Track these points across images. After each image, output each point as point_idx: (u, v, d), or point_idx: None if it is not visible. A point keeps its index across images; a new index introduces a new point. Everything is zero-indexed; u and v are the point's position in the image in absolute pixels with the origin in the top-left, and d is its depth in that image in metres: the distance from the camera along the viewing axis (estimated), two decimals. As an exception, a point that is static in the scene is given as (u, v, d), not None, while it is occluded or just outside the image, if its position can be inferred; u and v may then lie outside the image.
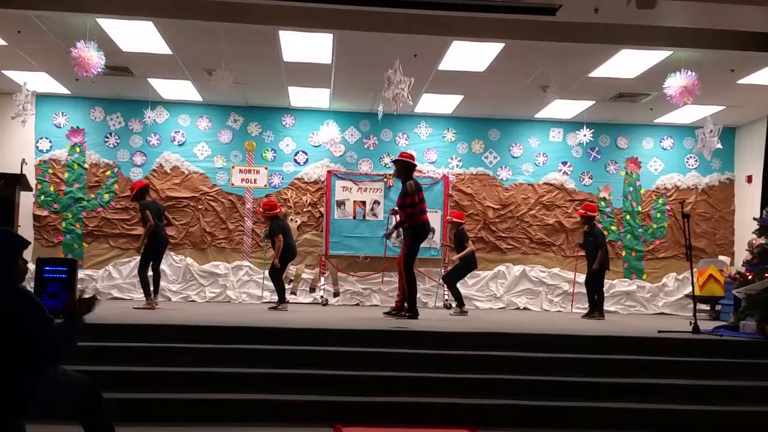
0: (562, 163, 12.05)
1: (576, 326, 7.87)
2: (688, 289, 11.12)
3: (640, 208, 12.09)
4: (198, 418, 5.12)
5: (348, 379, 5.60)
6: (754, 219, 7.63)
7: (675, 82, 8.35)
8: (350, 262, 11.53)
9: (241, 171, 11.58)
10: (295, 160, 11.71)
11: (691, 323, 7.35)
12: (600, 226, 10.69)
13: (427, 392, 5.53)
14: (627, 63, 8.89)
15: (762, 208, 7.83)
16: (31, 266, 7.87)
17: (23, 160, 10.79)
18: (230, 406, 5.23)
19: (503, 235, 11.83)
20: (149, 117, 11.06)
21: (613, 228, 11.98)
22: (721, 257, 11.60)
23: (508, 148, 12.01)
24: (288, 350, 6.00)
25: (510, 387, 5.62)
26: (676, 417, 5.37)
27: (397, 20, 7.74)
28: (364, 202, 11.58)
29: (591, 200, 11.91)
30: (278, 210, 9.84)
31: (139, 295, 10.57)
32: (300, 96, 10.99)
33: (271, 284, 11.05)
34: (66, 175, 11.37)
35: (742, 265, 7.73)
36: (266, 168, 11.64)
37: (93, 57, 7.82)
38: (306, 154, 11.73)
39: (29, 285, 6.99)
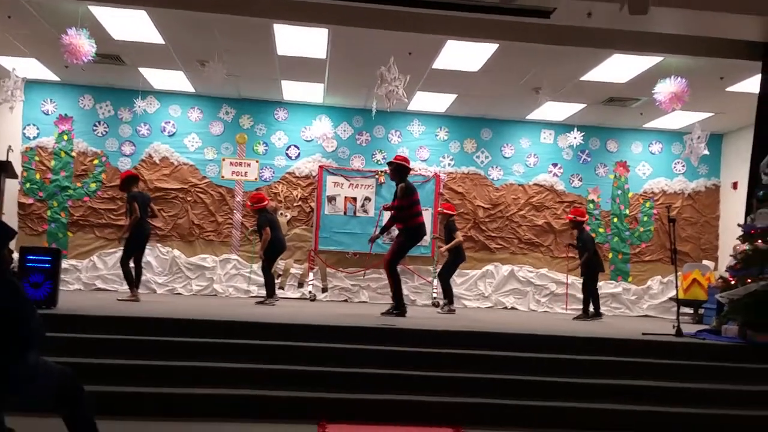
0: (552, 164, 12.12)
1: (562, 327, 7.94)
2: (673, 293, 11.25)
3: (627, 212, 12.19)
4: (180, 412, 5.10)
5: (334, 376, 5.62)
6: (739, 225, 7.73)
7: (665, 88, 8.44)
8: (339, 258, 11.55)
9: (231, 164, 11.57)
10: (287, 154, 11.70)
11: (674, 326, 7.43)
12: (588, 228, 10.76)
13: (413, 390, 5.56)
14: (618, 68, 8.97)
15: (747, 214, 7.91)
16: (15, 255, 7.83)
17: (9, 146, 10.56)
18: (214, 401, 5.22)
19: (492, 234, 11.90)
20: (139, 106, 11.01)
21: (601, 230, 12.08)
22: (705, 262, 11.72)
23: (500, 149, 12.06)
24: (274, 345, 6.01)
25: (495, 386, 5.67)
26: (659, 419, 5.45)
27: (392, 17, 7.77)
28: (355, 198, 11.59)
29: (580, 203, 12.01)
30: (266, 202, 9.79)
31: (123, 287, 10.56)
32: (293, 90, 10.99)
33: (259, 278, 11.05)
34: (53, 163, 11.30)
35: (726, 270, 7.81)
36: (257, 161, 11.62)
37: (84, 44, 7.78)
38: (298, 148, 11.73)
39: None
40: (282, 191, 11.60)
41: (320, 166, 11.57)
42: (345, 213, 11.54)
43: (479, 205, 11.90)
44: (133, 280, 8.95)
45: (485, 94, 10.56)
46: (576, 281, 11.85)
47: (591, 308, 9.85)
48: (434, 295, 11.28)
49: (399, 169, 8.39)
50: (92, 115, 11.43)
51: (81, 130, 11.40)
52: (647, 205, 12.23)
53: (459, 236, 9.95)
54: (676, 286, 8.24)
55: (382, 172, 11.60)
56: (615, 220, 12.17)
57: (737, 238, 7.66)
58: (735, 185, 11.79)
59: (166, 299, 9.62)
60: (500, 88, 10.15)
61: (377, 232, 8.99)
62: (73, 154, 11.35)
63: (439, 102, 11.20)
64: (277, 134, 11.72)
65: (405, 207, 8.23)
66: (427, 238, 11.44)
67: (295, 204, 11.63)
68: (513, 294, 11.82)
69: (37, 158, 11.28)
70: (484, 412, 5.37)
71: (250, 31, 8.33)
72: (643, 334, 7.27)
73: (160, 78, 10.72)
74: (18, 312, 3.26)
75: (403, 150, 11.86)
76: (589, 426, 5.33)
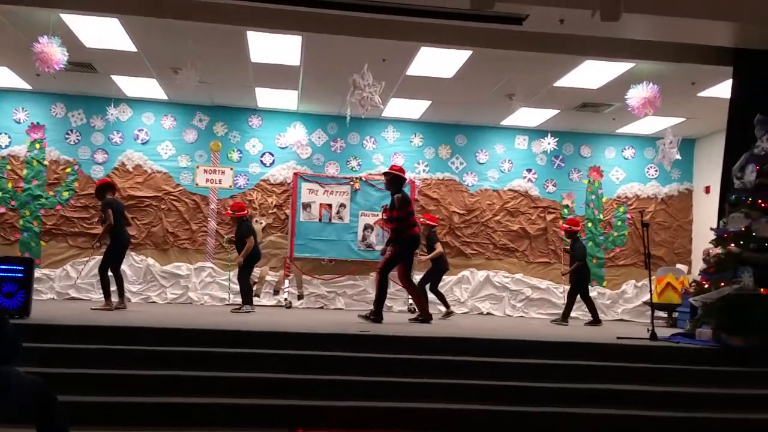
0: (526, 170, 12.19)
1: (537, 332, 7.96)
2: (647, 297, 11.33)
3: (601, 216, 12.29)
4: (154, 421, 5.03)
5: (310, 383, 5.58)
6: (712, 229, 7.82)
7: (637, 94, 8.52)
8: (315, 264, 11.49)
9: (205, 171, 11.47)
10: (261, 161, 11.64)
11: (648, 330, 7.49)
12: (582, 232, 10.84)
13: (390, 397, 5.53)
14: (591, 73, 9.05)
15: (719, 218, 8.01)
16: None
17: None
18: (188, 409, 5.16)
19: (468, 240, 11.92)
20: (112, 114, 10.90)
21: (576, 235, 12.15)
22: (679, 266, 11.85)
23: (474, 154, 12.10)
24: (249, 353, 5.96)
25: (472, 392, 5.66)
26: (634, 422, 5.47)
27: (365, 24, 7.76)
28: (330, 205, 11.56)
29: (554, 208, 12.11)
30: (246, 211, 9.80)
31: (97, 295, 10.44)
32: (267, 97, 10.93)
33: (236, 286, 11.00)
34: (24, 171, 11.12)
35: (699, 274, 7.90)
36: (231, 169, 11.55)
37: (56, 53, 7.68)
38: (272, 155, 11.67)
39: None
40: (257, 198, 11.52)
41: (295, 173, 11.52)
42: (320, 220, 11.50)
43: (454, 210, 11.92)
44: (110, 289, 8.88)
45: (459, 100, 10.59)
46: (551, 286, 11.94)
47: (570, 314, 10.07)
48: (410, 301, 11.27)
49: (395, 180, 8.44)
50: (64, 124, 11.27)
51: (53, 139, 11.23)
52: (621, 209, 12.35)
53: (439, 247, 10.03)
54: (650, 290, 8.30)
55: (356, 179, 11.59)
56: (589, 224, 12.26)
57: (710, 242, 7.75)
58: (707, 189, 11.94)
59: (141, 308, 9.49)
60: (474, 94, 10.19)
61: (384, 246, 8.98)
62: (46, 162, 11.17)
63: (413, 108, 11.21)
64: (251, 141, 11.65)
65: (402, 218, 8.25)
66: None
67: (270, 211, 11.56)
68: (489, 299, 11.85)
69: (8, 167, 11.09)
70: (462, 417, 5.35)
71: (223, 38, 8.27)
72: (618, 338, 7.31)
73: (132, 86, 10.60)
74: None
75: (378, 157, 11.86)
76: (564, 429, 5.34)
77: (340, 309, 11.35)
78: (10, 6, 7.53)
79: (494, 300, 11.83)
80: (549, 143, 11.38)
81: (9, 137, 11.15)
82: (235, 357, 5.88)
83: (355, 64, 8.26)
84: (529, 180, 12.19)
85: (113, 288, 9.04)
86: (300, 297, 11.22)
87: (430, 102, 10.80)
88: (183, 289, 11.18)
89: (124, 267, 10.83)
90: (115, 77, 10.19)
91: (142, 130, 11.42)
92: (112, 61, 9.34)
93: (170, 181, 11.40)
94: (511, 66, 8.85)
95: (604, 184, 12.37)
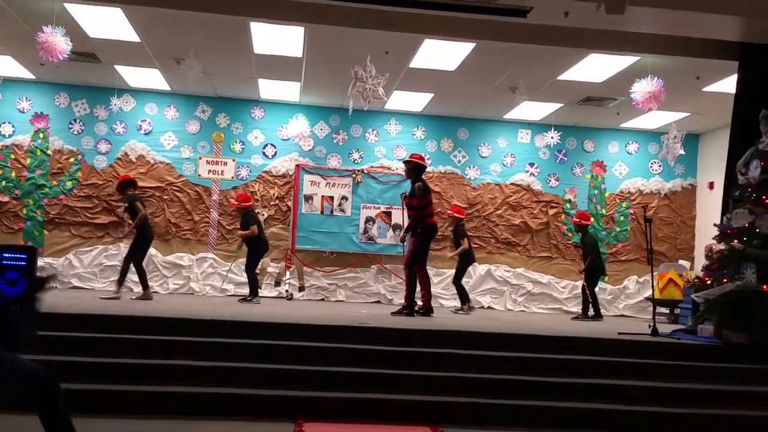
0: (529, 164, 12.15)
1: (538, 326, 7.95)
2: (649, 292, 11.31)
3: (604, 211, 12.25)
4: (157, 410, 5.04)
5: (311, 374, 5.58)
6: (715, 225, 7.77)
7: (641, 88, 8.47)
8: (316, 257, 11.49)
9: (208, 162, 11.45)
10: (264, 152, 11.62)
11: (650, 326, 7.46)
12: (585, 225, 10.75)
13: (390, 389, 5.52)
14: (595, 67, 8.99)
15: (722, 214, 7.97)
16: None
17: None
18: (191, 399, 5.17)
19: (469, 234, 11.86)
20: (115, 104, 10.88)
21: (578, 230, 12.11)
22: (681, 261, 11.81)
23: (477, 148, 12.07)
24: (251, 344, 5.95)
25: (473, 385, 5.65)
26: (634, 418, 5.45)
27: (369, 16, 7.70)
28: (331, 198, 11.54)
29: (556, 203, 12.08)
30: (252, 202, 9.95)
31: (100, 284, 10.53)
32: (270, 88, 10.89)
33: (236, 277, 11.04)
34: (28, 161, 11.10)
35: (702, 270, 7.86)
36: (234, 160, 11.53)
37: (59, 42, 7.65)
38: (275, 147, 11.65)
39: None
40: (259, 190, 11.51)
41: (297, 165, 11.50)
42: (322, 212, 11.48)
43: (456, 204, 11.88)
44: (124, 278, 9.18)
45: (462, 93, 10.54)
46: (553, 281, 11.91)
47: (591, 310, 10.04)
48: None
49: (416, 169, 8.53)
50: (68, 113, 11.24)
51: (57, 128, 11.20)
52: (624, 204, 12.30)
53: (465, 243, 10.06)
54: (652, 286, 8.28)
55: (359, 171, 11.57)
56: (592, 220, 12.21)
57: (713, 238, 7.71)
58: (711, 185, 11.89)
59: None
60: (477, 87, 10.14)
61: (403, 233, 9.20)
62: (49, 152, 11.15)
63: (416, 101, 11.16)
64: (253, 133, 11.62)
65: (422, 206, 8.30)
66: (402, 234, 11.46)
67: (271, 203, 11.54)
68: (490, 293, 11.83)
69: (12, 156, 11.07)
70: (462, 410, 5.34)
71: (226, 28, 8.23)
72: (619, 333, 7.29)
73: (135, 76, 10.56)
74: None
75: (380, 149, 11.83)
76: (564, 425, 5.32)
77: (341, 301, 11.35)
78: (12, -5, 7.51)
79: (495, 294, 11.81)
80: (552, 137, 11.34)
81: (13, 126, 11.13)
82: (236, 347, 5.88)
83: (358, 56, 8.21)
84: (532, 174, 12.15)
85: (135, 279, 9.55)
86: (301, 289, 11.22)
87: (432, 95, 10.76)
88: (185, 280, 11.18)
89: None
90: (118, 67, 10.15)
91: (145, 120, 11.39)
92: (115, 51, 9.30)
93: (173, 171, 11.38)
94: (515, 59, 8.79)
95: (607, 179, 12.32)
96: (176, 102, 11.50)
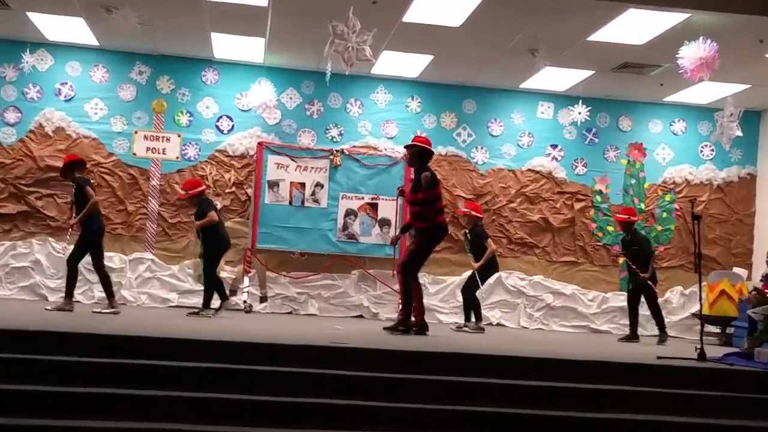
0: (551, 146, 12.21)
1: (561, 348, 7.99)
2: (696, 307, 11.37)
3: (643, 206, 12.33)
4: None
5: (272, 406, 5.58)
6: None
7: (691, 53, 8.51)
8: (283, 258, 11.49)
9: (146, 138, 11.42)
10: (218, 127, 11.60)
11: (696, 348, 7.52)
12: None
13: (369, 425, 5.54)
14: (635, 26, 9.04)
15: (789, 211, 8.05)
16: None
17: None
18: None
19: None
20: (27, 63, 10.78)
21: (610, 229, 12.20)
22: (736, 269, 11.91)
23: (486, 125, 12.10)
24: (197, 368, 5.94)
25: (478, 420, 5.67)
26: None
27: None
28: (303, 184, 11.54)
29: (584, 195, 12.16)
30: (203, 187, 9.91)
31: (5, 291, 10.48)
32: (226, 46, 10.89)
33: (181, 284, 11.02)
34: None
35: (761, 280, 7.95)
36: (179, 135, 11.49)
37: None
38: (231, 120, 11.63)
39: None
40: (210, 174, 11.49)
41: (260, 143, 11.48)
42: (291, 203, 11.48)
43: (459, 195, 11.91)
44: (74, 283, 9.32)
45: (469, 55, 10.56)
46: (578, 291, 11.98)
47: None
48: (400, 306, 11.29)
49: (421, 154, 8.46)
50: (-34, 73, 11.21)
51: (-50, 92, 11.17)
52: (667, 198, 12.40)
53: (492, 245, 10.10)
54: (700, 300, 8.33)
55: (338, 152, 11.57)
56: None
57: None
58: (775, 175, 12.02)
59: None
60: (487, 48, 10.16)
61: (399, 232, 9.06)
62: (-61, 122, 11.11)
63: (410, 65, 11.18)
64: (204, 101, 11.60)
65: (430, 200, 8.29)
66: (390, 236, 11.48)
67: (227, 191, 11.52)
68: (500, 307, 11.88)
69: None
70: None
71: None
72: (659, 357, 7.35)
73: (54, 26, 10.52)
74: None
75: (365, 125, 11.86)
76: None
77: (312, 315, 11.37)
78: None
79: (506, 308, 11.87)
80: (580, 113, 11.39)
81: None
82: (178, 372, 5.86)
83: (339, 7, 8.20)
84: (554, 158, 12.21)
85: (100, 289, 9.64)
86: (263, 299, 11.21)
87: (431, 57, 10.78)
88: (115, 286, 11.11)
89: (40, 256, 10.91)
90: (32, 15, 10.10)
91: (66, 83, 11.35)
92: (30, -6, 9.27)
93: (101, 149, 11.35)
94: (535, 14, 8.82)
95: (647, 166, 12.41)
96: (106, 61, 11.45)
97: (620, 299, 12.02)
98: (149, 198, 11.42)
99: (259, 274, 11.28)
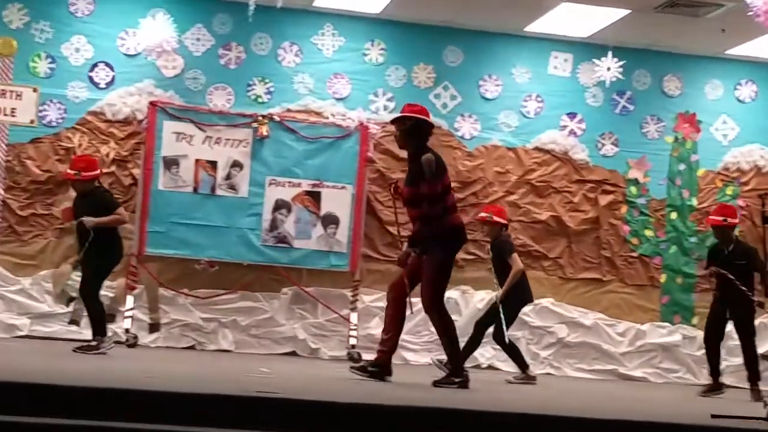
0: (568, 115, 12.28)
1: (579, 402, 8.00)
2: (767, 344, 11.52)
3: (695, 202, 12.42)
4: None
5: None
6: None
7: (766, -12, 8.60)
8: (184, 270, 11.46)
9: (-13, 93, 11.35)
10: (91, 79, 11.57)
11: (766, 404, 7.58)
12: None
13: None
14: (689, -53, 9.10)
15: None
16: None
17: None
18: None
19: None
20: None
21: (649, 233, 12.26)
22: (824, 293, 12.06)
23: (477, 84, 12.15)
24: (60, 426, 5.86)
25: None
26: None
27: None
28: (214, 164, 11.46)
29: (614, 185, 12.18)
30: (100, 171, 9.87)
31: None
32: (106, -38, 10.79)
33: (36, 304, 10.91)
34: None
35: None
36: (35, 90, 11.40)
37: None
38: (112, 69, 11.60)
39: None
40: (80, 146, 11.40)
41: (152, 103, 11.39)
42: (196, 189, 11.41)
43: (494, 204, 11.83)
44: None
45: (454, -16, 10.59)
46: (603, 321, 12.02)
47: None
48: (352, 340, 11.26)
49: (416, 129, 8.27)
50: None
51: None
52: (728, 191, 12.49)
53: (518, 262, 10.00)
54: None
55: (265, 117, 11.50)
56: (674, 215, 12.39)
57: None
58: None
59: None
60: (481, -26, 10.20)
61: (405, 247, 8.60)
62: None
63: (371, -5, 11.21)
64: (73, 41, 11.56)
65: (438, 195, 8.04)
66: (343, 239, 11.44)
67: (104, 170, 11.38)
68: (491, 342, 11.85)
69: None
70: None
71: None
72: (714, 416, 7.39)
73: None
74: None
75: (304, 79, 11.84)
76: None
77: (225, 352, 11.34)
78: None
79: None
80: (609, 69, 11.44)
81: None
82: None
83: None
84: (572, 133, 12.26)
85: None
86: (154, 327, 11.13)
87: (401, -16, 10.80)
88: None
89: None
90: None
91: None
92: None
93: None
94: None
95: (701, 146, 12.52)
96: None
97: (661, 333, 12.14)
98: (-9, 180, 11.31)
99: (149, 293, 11.17)
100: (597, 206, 12.24)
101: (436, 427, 6.31)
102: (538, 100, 12.22)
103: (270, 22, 11.45)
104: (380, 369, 8.32)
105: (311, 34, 11.91)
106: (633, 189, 12.33)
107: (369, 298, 11.73)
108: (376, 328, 11.36)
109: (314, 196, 11.61)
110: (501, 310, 9.92)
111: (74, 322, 10.92)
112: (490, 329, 10.17)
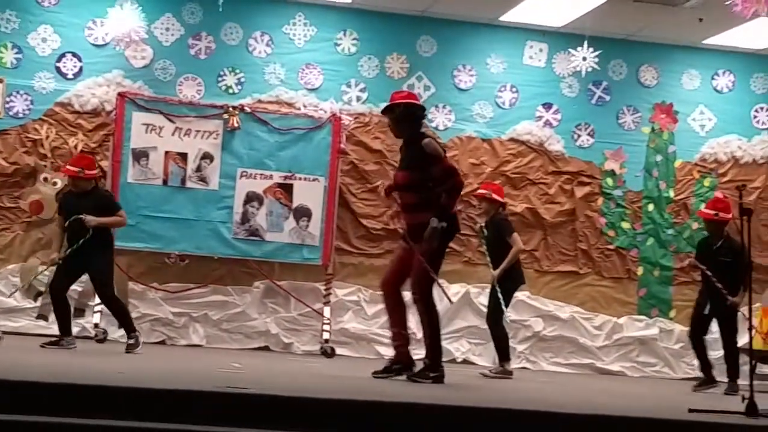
0: (543, 105, 12.34)
1: (555, 398, 8.03)
2: (745, 339, 11.58)
3: (672, 193, 12.48)
4: None
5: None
6: None
7: (744, -24, 8.64)
8: (153, 264, 11.50)
9: (-50, 83, 11.30)
10: (59, 69, 11.59)
11: (744, 398, 7.62)
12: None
13: None
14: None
15: None
16: None
17: None
18: None
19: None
20: None
21: (625, 226, 12.32)
22: (802, 286, 12.13)
23: (451, 74, 12.19)
24: (28, 423, 5.85)
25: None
26: None
27: None
28: (184, 156, 11.46)
29: (590, 177, 12.25)
30: (97, 171, 9.99)
31: None
32: (73, -50, 10.75)
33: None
34: None
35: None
36: (1, 80, 11.44)
37: None
38: (79, 59, 11.62)
39: None
40: (48, 138, 11.39)
41: (121, 94, 11.42)
42: (165, 182, 11.43)
43: (489, 181, 11.84)
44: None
45: (428, -27, 10.59)
46: (580, 315, 12.06)
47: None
48: (325, 335, 11.27)
49: (409, 114, 8.23)
50: None
51: None
52: (706, 183, 12.56)
53: (518, 242, 10.11)
54: (750, 328, 8.44)
55: (236, 108, 11.49)
56: (650, 207, 12.45)
57: None
58: None
59: None
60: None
61: (404, 244, 8.48)
62: None
63: (344, -16, 11.19)
64: (40, 31, 11.59)
65: (439, 179, 7.97)
66: (315, 231, 11.45)
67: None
68: (467, 336, 11.92)
69: None
70: None
71: None
72: (691, 410, 7.43)
73: None
74: None
75: (275, 69, 11.90)
76: None
77: (196, 346, 11.37)
78: None
79: (476, 337, 11.90)
80: (585, 58, 11.47)
81: None
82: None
83: None
84: (548, 124, 12.31)
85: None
86: (124, 322, 11.12)
87: (374, -27, 10.79)
88: None
89: None
90: None
91: None
92: None
93: None
94: None
95: (678, 137, 12.59)
96: None
97: (639, 326, 12.19)
98: (-43, 173, 11.27)
99: (118, 287, 11.13)
100: (573, 198, 12.31)
101: (410, 423, 6.34)
102: (513, 91, 12.26)
103: (241, 11, 11.47)
104: (402, 366, 8.33)
105: (282, 24, 11.92)
106: (609, 180, 12.39)
107: (342, 292, 11.75)
108: (350, 322, 11.47)
109: (286, 189, 11.62)
110: (498, 290, 9.97)
111: (42, 317, 10.91)
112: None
